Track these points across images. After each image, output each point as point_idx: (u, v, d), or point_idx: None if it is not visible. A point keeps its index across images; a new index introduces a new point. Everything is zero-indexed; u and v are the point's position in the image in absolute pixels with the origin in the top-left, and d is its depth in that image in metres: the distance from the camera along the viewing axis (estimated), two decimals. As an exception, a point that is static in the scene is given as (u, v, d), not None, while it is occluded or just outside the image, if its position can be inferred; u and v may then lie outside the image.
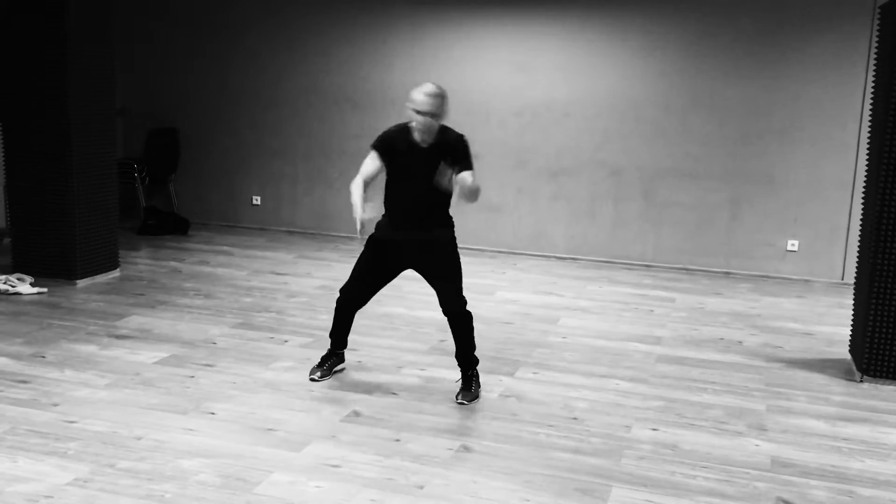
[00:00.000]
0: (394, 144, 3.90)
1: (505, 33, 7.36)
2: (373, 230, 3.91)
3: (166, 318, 5.15)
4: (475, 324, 5.22)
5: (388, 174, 3.97)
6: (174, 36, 8.27)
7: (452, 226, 4.07)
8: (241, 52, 8.10)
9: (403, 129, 3.92)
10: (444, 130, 3.89)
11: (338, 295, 4.19)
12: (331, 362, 4.27)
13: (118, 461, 3.21)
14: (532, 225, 7.52)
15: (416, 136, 3.86)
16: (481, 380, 4.18)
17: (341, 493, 3.03)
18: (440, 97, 3.77)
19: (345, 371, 4.32)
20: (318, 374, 4.20)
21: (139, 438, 3.41)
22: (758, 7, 6.73)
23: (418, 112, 3.76)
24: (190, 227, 8.01)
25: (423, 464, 3.29)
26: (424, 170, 3.81)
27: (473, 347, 4.08)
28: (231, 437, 3.46)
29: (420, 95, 3.74)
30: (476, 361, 4.10)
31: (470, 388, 4.03)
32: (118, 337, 4.75)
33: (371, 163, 3.91)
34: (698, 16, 6.87)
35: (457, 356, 4.08)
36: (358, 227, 3.75)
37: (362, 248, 4.04)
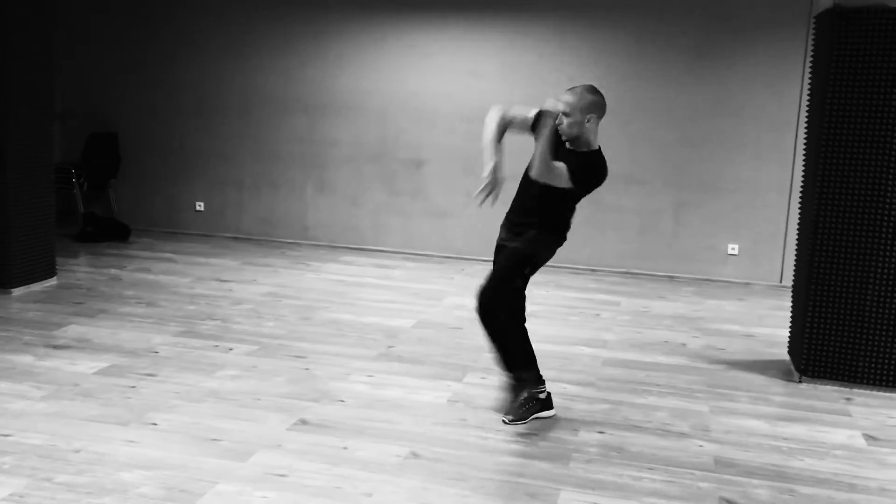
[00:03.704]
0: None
1: (453, 39, 7.38)
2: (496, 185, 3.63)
3: (106, 326, 5.03)
4: (425, 330, 5.22)
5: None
6: (114, 38, 8.10)
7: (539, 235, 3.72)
8: (183, 55, 7.96)
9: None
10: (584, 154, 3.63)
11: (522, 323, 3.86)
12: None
13: (56, 475, 3.11)
14: (481, 230, 7.54)
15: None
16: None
17: (288, 502, 2.99)
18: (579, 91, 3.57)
19: (292, 380, 4.26)
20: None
21: (78, 451, 3.32)
22: (699, 15, 6.87)
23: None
24: (131, 234, 7.84)
25: (372, 471, 3.26)
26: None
27: (513, 358, 3.78)
28: (174, 448, 3.39)
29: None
30: (523, 370, 3.80)
31: (515, 398, 3.80)
32: (56, 347, 4.61)
33: (524, 113, 3.70)
34: (641, 23, 6.98)
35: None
36: (488, 169, 3.61)
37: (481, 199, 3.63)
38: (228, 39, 7.84)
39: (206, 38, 7.89)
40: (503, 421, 3.78)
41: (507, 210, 3.89)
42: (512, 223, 3.82)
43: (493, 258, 3.90)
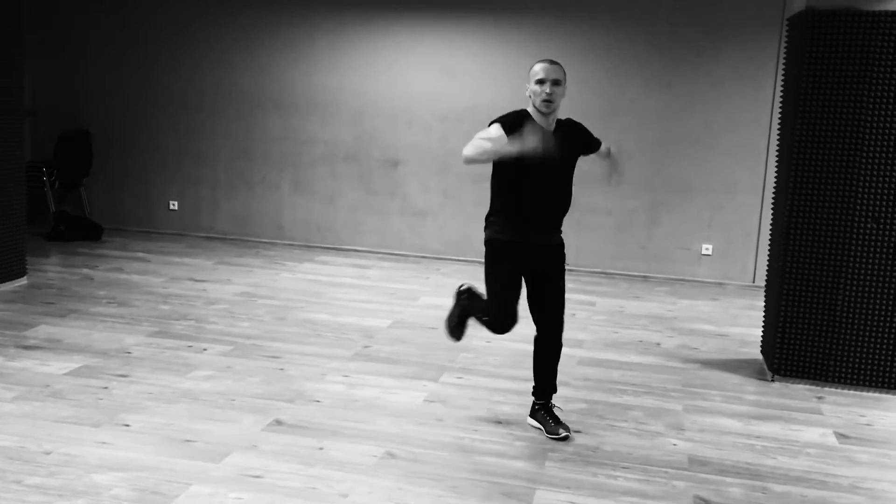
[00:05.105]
0: (520, 127, 3.36)
1: (430, 38, 7.37)
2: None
3: (78, 327, 4.96)
4: (401, 330, 5.21)
5: (508, 170, 3.49)
6: (87, 34, 7.99)
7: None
8: (157, 51, 7.88)
9: (523, 115, 3.44)
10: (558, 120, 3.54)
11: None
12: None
13: (26, 477, 3.06)
14: (457, 230, 7.54)
15: (542, 119, 3.42)
16: (409, 384, 4.13)
17: (263, 503, 2.98)
18: (560, 65, 3.37)
19: (267, 380, 4.24)
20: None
21: (49, 453, 3.27)
22: (673, 17, 6.92)
23: (542, 81, 3.32)
24: (103, 233, 7.75)
25: (348, 472, 3.25)
26: (561, 161, 3.44)
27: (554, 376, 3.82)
28: (147, 450, 3.35)
29: (540, 64, 3.36)
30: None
31: (559, 418, 3.75)
32: (26, 347, 4.54)
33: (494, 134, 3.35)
34: (617, 24, 7.02)
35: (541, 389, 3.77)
36: (535, 144, 3.23)
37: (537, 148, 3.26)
38: (202, 37, 7.77)
39: (180, 35, 7.81)
40: (567, 437, 3.64)
41: (507, 210, 3.81)
42: (546, 224, 3.87)
43: (518, 257, 3.80)
